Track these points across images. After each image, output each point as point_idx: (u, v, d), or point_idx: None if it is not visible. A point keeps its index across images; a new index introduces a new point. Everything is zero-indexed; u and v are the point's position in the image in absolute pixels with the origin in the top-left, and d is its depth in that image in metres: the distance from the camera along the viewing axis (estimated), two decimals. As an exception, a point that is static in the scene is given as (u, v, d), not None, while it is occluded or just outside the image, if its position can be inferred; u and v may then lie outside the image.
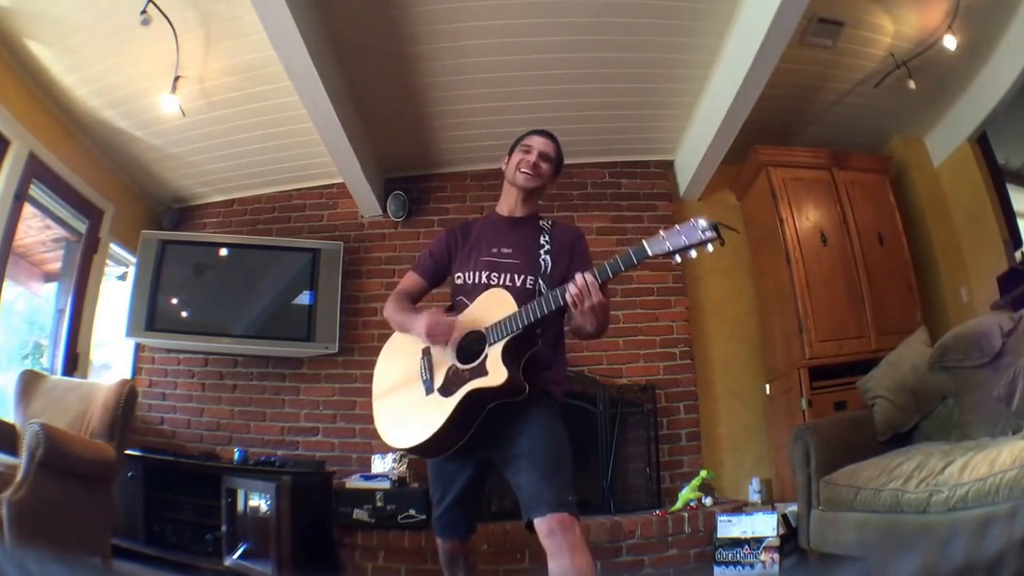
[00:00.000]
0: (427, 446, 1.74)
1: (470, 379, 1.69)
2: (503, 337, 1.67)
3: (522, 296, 1.77)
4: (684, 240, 1.53)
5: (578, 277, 1.60)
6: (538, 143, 1.95)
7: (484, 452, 1.78)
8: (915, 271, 3.83)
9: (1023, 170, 3.73)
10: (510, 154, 1.99)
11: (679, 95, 3.75)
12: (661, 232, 1.56)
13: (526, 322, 1.66)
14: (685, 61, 3.48)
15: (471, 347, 1.74)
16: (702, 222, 1.53)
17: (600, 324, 1.68)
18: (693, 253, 1.54)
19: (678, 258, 1.55)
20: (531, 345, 1.72)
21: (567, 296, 1.61)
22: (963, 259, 3.88)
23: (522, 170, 1.91)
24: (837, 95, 3.85)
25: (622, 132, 4.06)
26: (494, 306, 1.74)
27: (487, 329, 1.71)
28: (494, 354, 1.67)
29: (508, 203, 1.99)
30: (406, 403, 1.81)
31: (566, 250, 1.90)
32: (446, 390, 1.72)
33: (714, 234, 1.51)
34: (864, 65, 3.60)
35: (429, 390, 1.76)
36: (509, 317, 1.68)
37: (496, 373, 1.65)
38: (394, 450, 3.30)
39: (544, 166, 1.93)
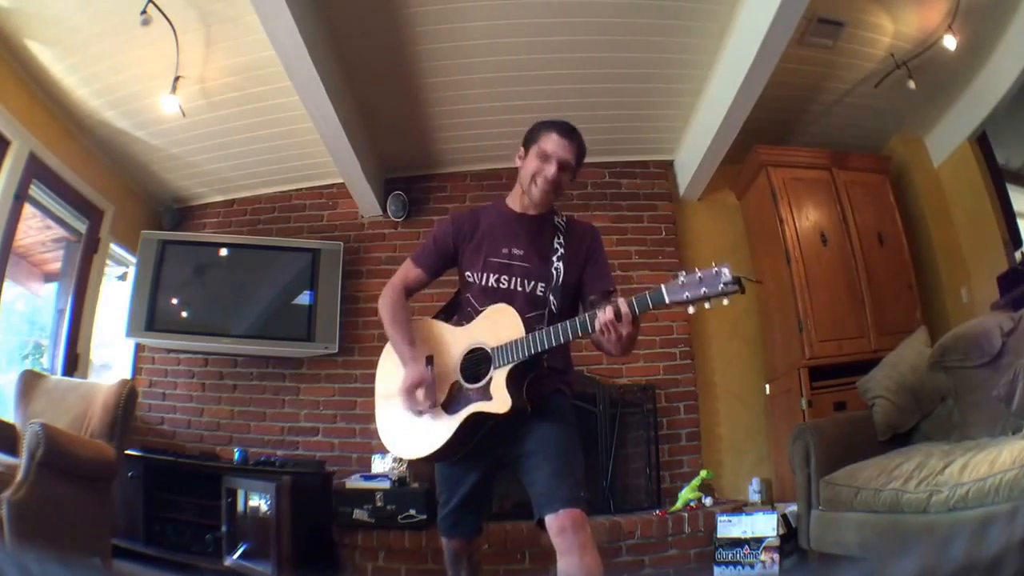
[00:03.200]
0: (430, 459, 1.76)
1: (474, 400, 1.67)
2: (509, 363, 1.64)
3: (530, 304, 1.74)
4: (704, 291, 1.45)
5: (607, 310, 1.53)
6: (558, 150, 1.75)
7: (494, 453, 1.77)
8: (915, 271, 3.83)
9: (1023, 170, 3.73)
10: (525, 147, 1.83)
11: (679, 95, 3.75)
12: (681, 277, 1.48)
13: (534, 351, 1.62)
14: (685, 61, 3.48)
15: (476, 364, 1.72)
16: (726, 274, 1.44)
17: (622, 352, 1.63)
18: (708, 305, 1.46)
19: (692, 309, 1.48)
20: (535, 368, 1.70)
21: (596, 324, 1.55)
22: (963, 259, 3.87)
23: (539, 185, 1.76)
24: (837, 95, 3.85)
25: (622, 132, 4.05)
26: (502, 325, 1.69)
27: (493, 350, 1.68)
28: (499, 379, 1.64)
29: (521, 202, 1.85)
30: (408, 414, 1.78)
31: (581, 255, 1.82)
32: (449, 406, 1.71)
33: (736, 287, 1.43)
34: (864, 65, 3.60)
35: (432, 404, 1.75)
36: (517, 342, 1.64)
37: (500, 400, 1.63)
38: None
39: (564, 177, 1.77)
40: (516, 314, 1.68)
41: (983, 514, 1.76)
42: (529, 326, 1.66)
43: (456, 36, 3.24)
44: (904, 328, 3.31)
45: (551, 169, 1.76)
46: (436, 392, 1.74)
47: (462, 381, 1.72)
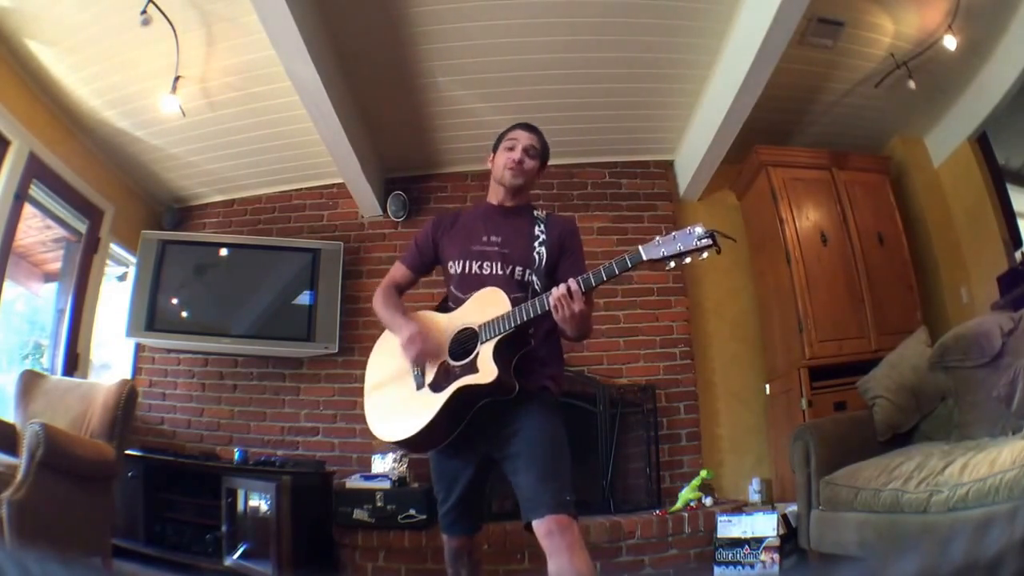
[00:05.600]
0: (416, 440, 1.75)
1: (460, 376, 1.69)
2: (495, 336, 1.68)
3: (513, 287, 1.78)
4: (680, 247, 1.53)
5: (560, 287, 1.60)
6: (522, 138, 1.93)
7: (484, 449, 1.78)
8: (915, 271, 3.83)
9: (1023, 170, 3.73)
10: (494, 150, 2.00)
11: (679, 95, 3.75)
12: (657, 237, 1.56)
13: (518, 322, 1.66)
14: (685, 61, 3.48)
15: (464, 344, 1.75)
16: (699, 229, 1.52)
17: (578, 332, 1.67)
18: (688, 260, 1.54)
19: (672, 264, 1.55)
20: (524, 345, 1.73)
21: (549, 300, 1.61)
22: (963, 259, 3.88)
23: (509, 167, 1.91)
24: (837, 95, 3.85)
25: (622, 132, 4.06)
26: (488, 304, 1.74)
27: (480, 327, 1.72)
28: (485, 352, 1.68)
29: (497, 196, 1.99)
30: (396, 398, 1.81)
31: (558, 245, 1.88)
32: (436, 386, 1.73)
33: (710, 241, 1.51)
34: (864, 65, 3.60)
35: (420, 385, 1.77)
36: (502, 316, 1.68)
37: (486, 371, 1.65)
38: (390, 447, 3.30)
39: (530, 162, 1.92)
40: (503, 293, 1.73)
41: (983, 514, 1.76)
42: (515, 305, 1.70)
43: (456, 36, 3.24)
44: (904, 328, 3.32)
45: (516, 153, 1.91)
46: (426, 368, 1.77)
47: (449, 360, 1.75)
